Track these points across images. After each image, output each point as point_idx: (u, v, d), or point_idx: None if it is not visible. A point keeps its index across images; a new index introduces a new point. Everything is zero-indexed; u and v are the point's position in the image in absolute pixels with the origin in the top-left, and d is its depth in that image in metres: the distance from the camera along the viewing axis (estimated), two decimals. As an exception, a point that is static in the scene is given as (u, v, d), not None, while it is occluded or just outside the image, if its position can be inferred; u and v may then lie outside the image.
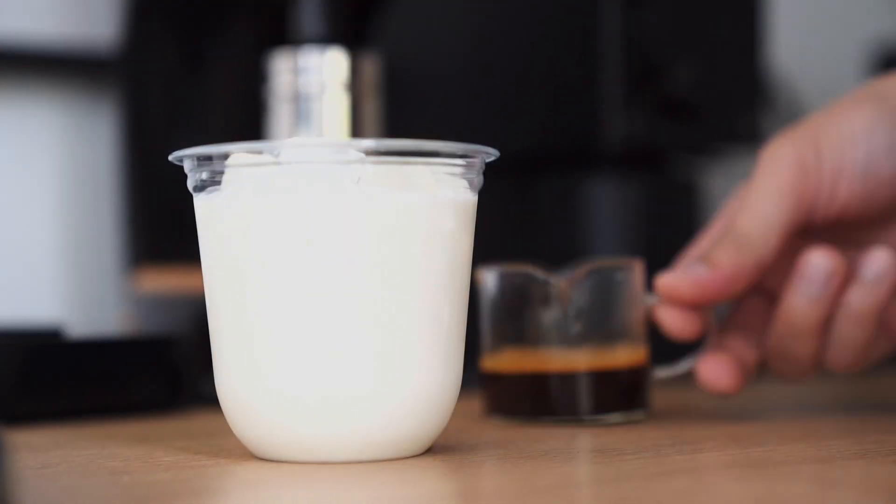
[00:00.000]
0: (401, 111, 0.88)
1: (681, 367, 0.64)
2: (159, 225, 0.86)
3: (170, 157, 0.51)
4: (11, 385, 0.63)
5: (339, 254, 0.48)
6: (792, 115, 1.17)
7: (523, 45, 0.88)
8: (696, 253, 0.65)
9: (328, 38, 0.76)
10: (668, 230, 0.90)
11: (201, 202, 0.50)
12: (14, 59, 0.92)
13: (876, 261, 0.61)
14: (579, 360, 0.61)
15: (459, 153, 0.50)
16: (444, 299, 0.50)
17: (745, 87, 0.90)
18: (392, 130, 0.84)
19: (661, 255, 0.89)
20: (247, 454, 0.51)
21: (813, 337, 0.62)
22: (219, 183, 0.50)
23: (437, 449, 0.52)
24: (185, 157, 0.50)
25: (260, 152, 0.49)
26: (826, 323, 0.62)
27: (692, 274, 0.61)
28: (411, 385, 0.49)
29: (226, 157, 0.49)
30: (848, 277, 0.61)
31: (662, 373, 0.65)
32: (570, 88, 0.86)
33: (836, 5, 1.29)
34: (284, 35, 0.78)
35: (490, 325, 0.63)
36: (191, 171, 0.51)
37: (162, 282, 0.84)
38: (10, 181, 0.94)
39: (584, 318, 0.61)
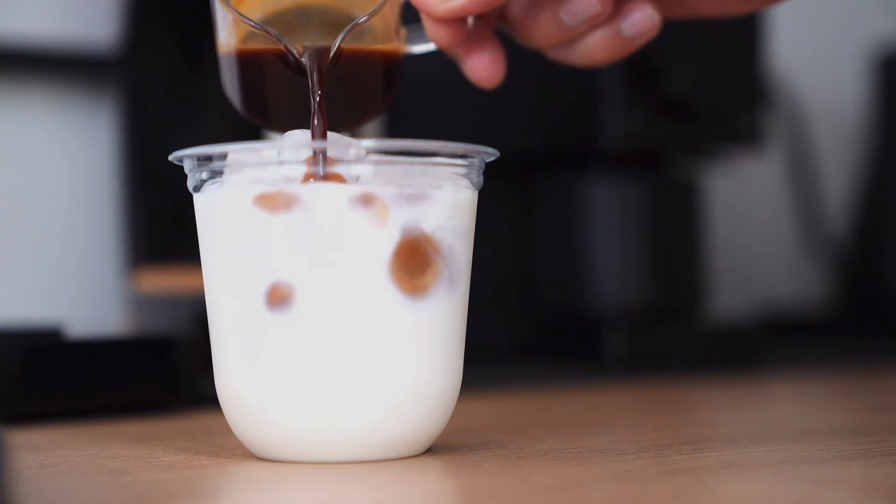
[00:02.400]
0: (401, 111, 0.88)
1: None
2: (159, 225, 0.86)
3: (170, 157, 0.51)
4: (11, 385, 0.63)
5: (339, 253, 0.48)
6: (792, 115, 1.18)
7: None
8: None
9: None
10: (668, 230, 0.90)
11: (201, 202, 0.50)
12: (14, 59, 0.92)
13: (642, 20, 0.56)
14: None
15: (459, 153, 0.50)
16: (445, 299, 0.49)
17: (745, 87, 0.90)
18: (392, 130, 0.84)
19: (661, 254, 0.90)
20: (247, 454, 0.51)
21: (551, 45, 0.58)
22: (219, 183, 0.50)
23: (437, 449, 0.52)
24: (185, 157, 0.50)
25: (260, 152, 0.49)
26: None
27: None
28: (411, 385, 0.49)
29: (226, 157, 0.49)
30: (611, 17, 0.56)
31: (416, 48, 0.58)
32: (571, 88, 0.86)
33: (836, 6, 1.29)
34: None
35: None
36: (191, 171, 0.51)
37: (162, 282, 0.84)
38: (9, 181, 0.94)
39: None
